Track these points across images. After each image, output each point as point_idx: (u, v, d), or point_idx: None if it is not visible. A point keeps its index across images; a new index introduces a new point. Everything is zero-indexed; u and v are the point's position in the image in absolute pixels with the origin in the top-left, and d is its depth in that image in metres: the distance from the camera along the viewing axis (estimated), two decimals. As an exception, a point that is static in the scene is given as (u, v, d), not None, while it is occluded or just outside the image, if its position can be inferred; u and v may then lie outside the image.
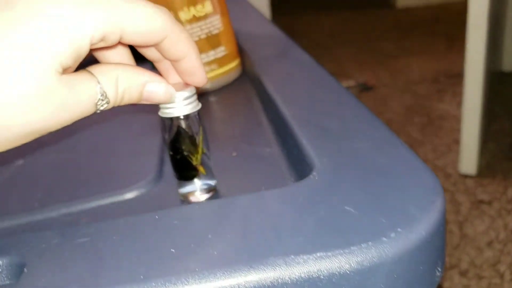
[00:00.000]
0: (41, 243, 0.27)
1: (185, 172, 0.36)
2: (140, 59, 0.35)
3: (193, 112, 0.34)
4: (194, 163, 0.35)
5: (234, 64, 0.61)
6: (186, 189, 0.36)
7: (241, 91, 0.58)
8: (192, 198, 0.36)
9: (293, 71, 0.51)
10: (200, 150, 0.36)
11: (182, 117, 0.34)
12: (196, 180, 0.36)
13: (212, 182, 0.37)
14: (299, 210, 0.26)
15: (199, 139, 0.35)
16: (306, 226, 0.25)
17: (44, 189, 0.41)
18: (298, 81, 0.47)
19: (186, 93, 0.34)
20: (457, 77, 2.40)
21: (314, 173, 0.29)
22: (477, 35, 1.38)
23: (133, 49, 0.33)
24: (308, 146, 0.33)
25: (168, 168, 0.42)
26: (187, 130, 0.35)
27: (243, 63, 0.64)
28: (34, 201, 0.39)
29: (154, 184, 0.39)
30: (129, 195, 0.38)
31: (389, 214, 0.25)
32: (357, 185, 0.28)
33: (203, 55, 0.58)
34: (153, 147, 0.45)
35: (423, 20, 3.51)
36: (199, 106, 0.35)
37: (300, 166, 0.34)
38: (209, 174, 0.37)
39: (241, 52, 0.65)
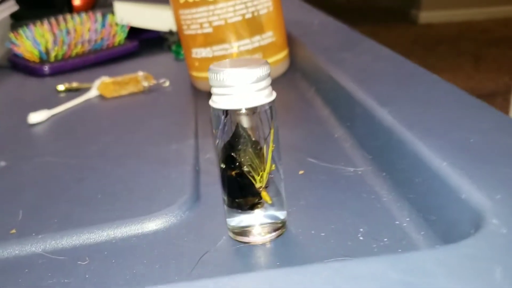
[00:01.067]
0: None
1: (242, 198, 0.23)
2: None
3: (263, 105, 0.22)
4: (258, 185, 0.23)
5: (282, 55, 0.48)
6: (239, 221, 0.24)
7: (292, 89, 0.45)
8: (251, 237, 0.24)
9: (373, 64, 0.38)
10: (268, 166, 0.23)
11: (244, 110, 0.21)
12: (257, 211, 0.23)
13: (281, 215, 0.24)
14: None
15: (269, 147, 0.23)
16: None
17: (28, 208, 0.28)
18: (387, 77, 0.35)
19: (256, 71, 0.21)
20: (486, 97, 2.28)
21: (494, 221, 0.16)
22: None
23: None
24: (454, 173, 0.20)
25: (208, 186, 0.29)
26: (250, 132, 0.22)
27: (291, 55, 0.51)
28: (11, 225, 0.27)
29: (187, 210, 0.27)
30: (153, 224, 0.25)
31: None
32: None
33: (246, 41, 0.46)
34: (187, 155, 0.32)
35: (446, 37, 3.39)
36: (273, 95, 0.22)
37: (434, 201, 0.21)
38: (278, 203, 0.24)
39: (290, 41, 0.52)
